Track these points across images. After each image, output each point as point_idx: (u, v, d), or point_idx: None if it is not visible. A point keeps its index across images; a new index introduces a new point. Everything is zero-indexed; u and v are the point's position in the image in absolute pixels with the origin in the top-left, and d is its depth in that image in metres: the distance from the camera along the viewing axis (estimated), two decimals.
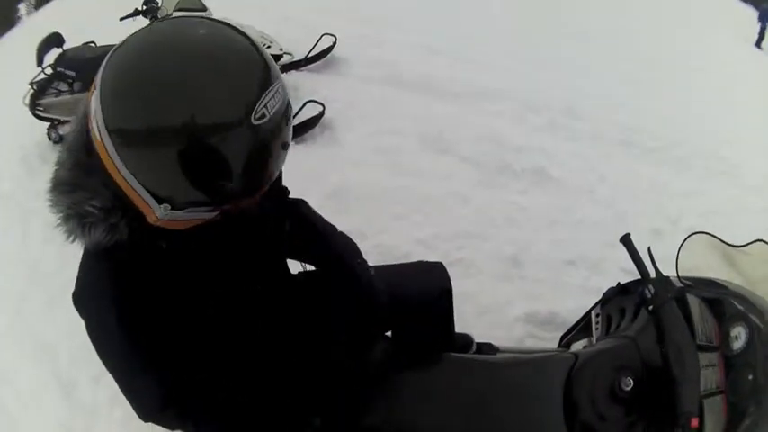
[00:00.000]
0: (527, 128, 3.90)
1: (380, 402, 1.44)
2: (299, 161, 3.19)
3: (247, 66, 0.76)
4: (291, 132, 0.83)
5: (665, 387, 1.32)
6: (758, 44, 15.62)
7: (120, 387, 0.94)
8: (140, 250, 0.87)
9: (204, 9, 3.81)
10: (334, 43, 4.56)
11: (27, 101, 3.71)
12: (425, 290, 1.50)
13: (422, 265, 1.58)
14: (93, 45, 3.89)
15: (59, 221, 0.85)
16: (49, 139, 3.84)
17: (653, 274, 1.50)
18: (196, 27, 0.78)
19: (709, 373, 1.42)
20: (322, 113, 3.62)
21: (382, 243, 2.60)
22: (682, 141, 4.08)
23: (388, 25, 5.27)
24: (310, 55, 4.48)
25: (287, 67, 4.31)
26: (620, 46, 6.25)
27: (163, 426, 1.03)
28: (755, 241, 1.57)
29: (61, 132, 3.82)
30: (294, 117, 3.35)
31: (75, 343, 2.27)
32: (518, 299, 2.44)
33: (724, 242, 1.61)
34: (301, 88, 4.01)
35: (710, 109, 4.93)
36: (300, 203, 1.37)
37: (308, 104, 3.61)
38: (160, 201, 0.78)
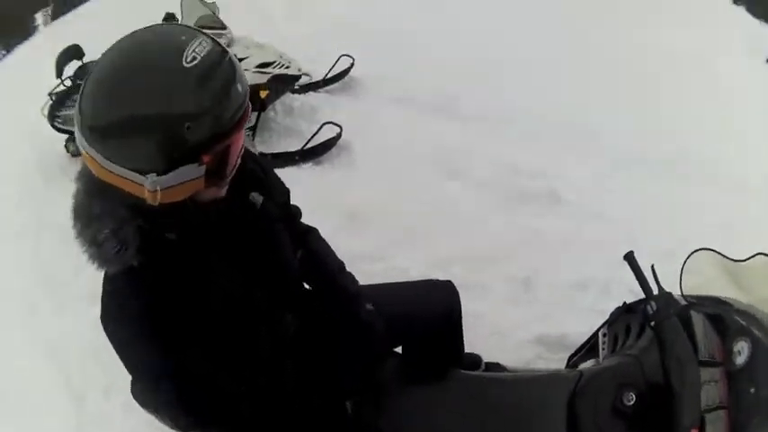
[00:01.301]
0: (540, 150, 3.97)
1: (389, 417, 1.50)
2: (316, 182, 3.44)
3: (177, 34, 0.92)
4: (242, 74, 0.96)
5: (667, 401, 1.36)
6: None
7: (151, 396, 1.05)
8: (154, 253, 0.98)
9: (224, 27, 3.95)
10: (352, 65, 4.69)
11: (46, 112, 3.83)
12: (435, 308, 1.58)
13: (432, 284, 1.66)
14: None
15: (83, 251, 0.99)
16: (67, 151, 3.96)
17: (656, 292, 1.54)
18: (151, 30, 0.97)
19: (712, 389, 1.44)
20: (339, 135, 3.72)
21: (396, 266, 2.69)
22: (692, 158, 4.11)
23: (405, 47, 5.38)
24: (328, 76, 4.62)
25: (305, 88, 4.46)
26: (626, 62, 6.32)
27: None
28: (756, 255, 1.60)
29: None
30: (312, 138, 3.47)
31: (87, 352, 2.36)
32: (529, 321, 2.51)
33: (725, 257, 1.65)
34: (319, 110, 4.14)
35: (721, 125, 4.97)
36: (311, 235, 1.48)
37: (325, 126, 3.72)
38: (146, 174, 0.90)
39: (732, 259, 1.65)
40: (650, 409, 1.39)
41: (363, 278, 1.54)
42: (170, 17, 4.02)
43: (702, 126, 4.63)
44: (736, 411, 1.41)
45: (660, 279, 1.56)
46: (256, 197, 1.16)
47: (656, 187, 3.72)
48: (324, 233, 1.54)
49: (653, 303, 1.49)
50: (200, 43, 0.90)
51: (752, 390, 1.41)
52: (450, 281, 1.65)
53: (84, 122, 0.90)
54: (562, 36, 6.06)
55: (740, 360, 1.47)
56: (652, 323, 1.49)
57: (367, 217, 3.05)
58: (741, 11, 7.78)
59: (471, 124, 4.25)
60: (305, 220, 1.51)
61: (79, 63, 3.93)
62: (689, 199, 3.58)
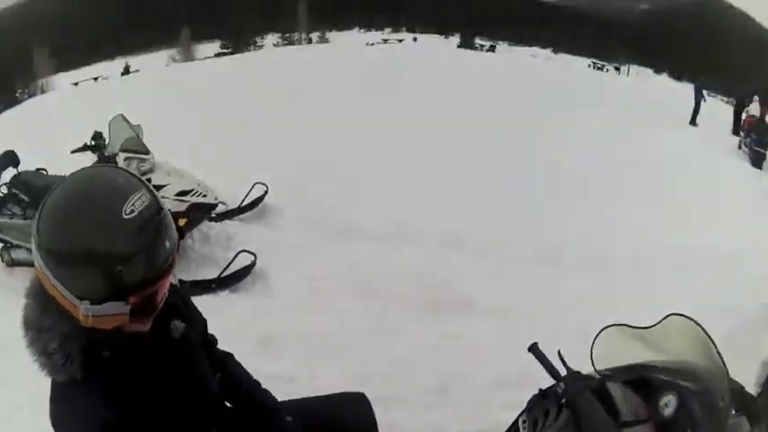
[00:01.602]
0: (457, 260, 4.26)
1: None
2: (231, 310, 3.47)
3: (123, 183, 1.09)
4: (172, 231, 1.13)
5: None
6: (693, 121, 16.79)
7: None
8: (94, 368, 1.12)
9: (147, 152, 4.13)
10: (266, 192, 4.94)
11: None
12: (349, 419, 1.67)
13: (345, 396, 1.76)
14: (44, 172, 4.11)
15: (34, 360, 1.12)
16: (2, 260, 3.92)
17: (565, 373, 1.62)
18: (102, 173, 1.16)
19: None
20: (254, 263, 3.85)
21: (313, 385, 2.75)
22: (604, 250, 4.49)
23: (319, 172, 5.71)
24: (243, 204, 4.83)
25: (221, 216, 4.61)
26: (544, 159, 6.91)
27: None
28: (668, 316, 1.71)
29: (13, 256, 3.91)
30: (228, 267, 3.56)
31: None
32: (447, 424, 2.60)
33: (634, 327, 1.75)
34: (235, 237, 4.29)
35: (638, 209, 5.43)
36: (227, 359, 1.59)
37: (240, 254, 3.84)
38: (81, 300, 1.05)
39: (642, 327, 1.75)
40: None
41: (280, 396, 1.63)
42: (98, 136, 4.22)
43: (619, 216, 5.22)
44: None
45: (571, 362, 1.64)
46: (178, 326, 1.29)
47: (571, 282, 4.02)
48: (240, 358, 1.66)
49: (561, 384, 1.57)
50: (140, 197, 1.06)
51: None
52: (361, 392, 1.76)
53: (41, 243, 1.06)
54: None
55: (668, 411, 1.59)
56: (563, 401, 1.56)
57: (283, 341, 3.13)
58: None
59: (384, 241, 4.50)
60: (222, 346, 1.64)
61: (14, 171, 3.97)
62: (601, 292, 3.86)
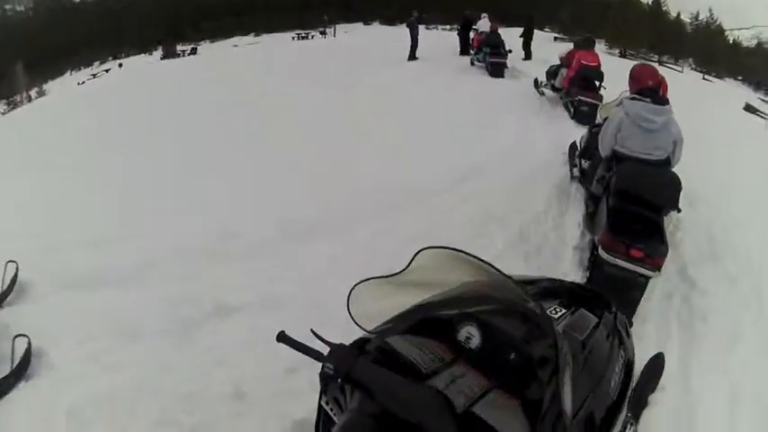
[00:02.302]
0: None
1: None
2: (30, 400, 3.89)
3: None
4: None
5: None
6: (412, 57, 18.77)
7: None
8: None
9: None
10: (17, 268, 5.32)
11: None
12: None
13: None
14: None
15: None
16: None
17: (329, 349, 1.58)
18: None
19: (465, 382, 1.53)
20: (29, 345, 4.27)
21: None
22: None
23: (60, 230, 6.27)
24: (3, 288, 5.16)
25: None
26: None
27: None
28: (417, 254, 1.68)
29: None
30: (12, 359, 4.22)
31: None
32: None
33: (385, 276, 1.72)
34: (10, 325, 4.61)
35: None
36: None
37: (16, 340, 4.24)
38: None
39: (391, 274, 1.71)
40: None
41: None
42: None
43: None
44: (513, 381, 1.54)
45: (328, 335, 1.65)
46: None
47: None
48: None
49: (328, 365, 1.51)
50: None
51: (512, 356, 1.56)
52: None
53: None
54: None
55: (474, 342, 1.60)
56: (339, 381, 1.50)
57: (84, 415, 3.73)
58: None
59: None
60: None
61: None
62: None
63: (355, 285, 1.75)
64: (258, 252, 6.05)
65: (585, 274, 4.99)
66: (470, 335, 1.65)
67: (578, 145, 7.29)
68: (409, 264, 1.72)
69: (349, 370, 1.46)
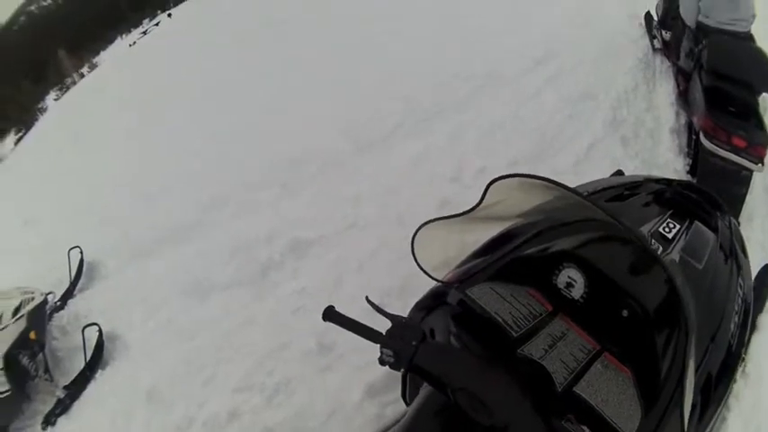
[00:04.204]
0: None
1: None
2: (109, 388, 3.81)
3: None
4: None
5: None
6: None
7: None
8: None
9: None
10: (82, 252, 5.19)
11: None
12: None
13: None
14: None
15: None
16: None
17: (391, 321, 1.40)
18: None
19: (566, 346, 1.33)
20: (100, 332, 4.17)
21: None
22: None
23: (125, 221, 5.90)
24: (72, 277, 5.03)
25: (64, 299, 4.83)
26: None
27: None
28: (490, 185, 1.41)
29: None
30: (86, 349, 4.05)
31: None
32: (346, 380, 3.03)
33: (453, 216, 1.48)
34: (81, 315, 4.54)
35: None
36: None
37: (86, 330, 4.11)
38: None
39: (460, 213, 1.48)
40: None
41: None
42: None
43: None
44: (619, 344, 1.34)
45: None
46: None
47: None
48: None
49: (387, 351, 1.34)
50: None
51: (624, 313, 1.35)
52: None
53: None
54: None
55: (578, 290, 1.37)
56: (401, 371, 1.33)
57: (165, 392, 3.53)
58: None
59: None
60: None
61: None
62: None
63: (419, 228, 1.48)
64: (331, 171, 5.49)
65: (687, 161, 4.75)
66: (572, 280, 1.38)
67: (654, 14, 6.95)
68: (481, 199, 1.42)
69: (412, 357, 1.24)
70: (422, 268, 1.47)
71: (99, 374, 4.05)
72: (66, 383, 3.95)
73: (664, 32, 6.40)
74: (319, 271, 4.09)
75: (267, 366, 3.39)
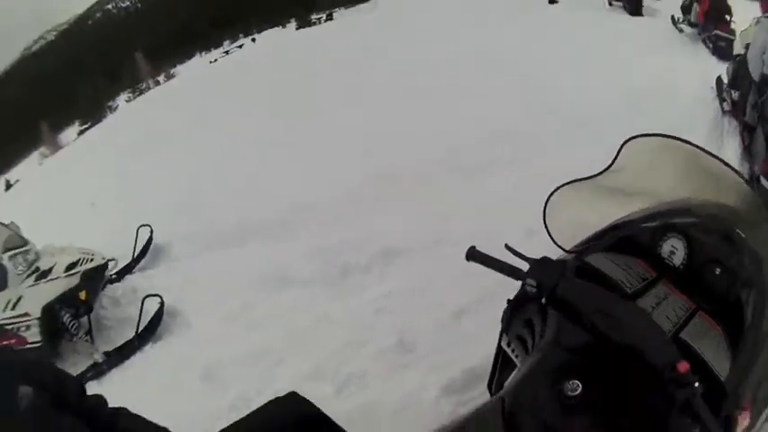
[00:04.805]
0: None
1: None
2: (161, 360, 3.61)
3: None
4: None
5: (621, 364, 1.16)
6: None
7: None
8: None
9: (26, 243, 4.23)
10: (152, 231, 5.07)
11: None
12: (294, 421, 1.60)
13: (277, 402, 1.66)
14: None
15: None
16: None
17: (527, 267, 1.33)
18: None
19: (669, 304, 1.37)
20: (162, 304, 3.98)
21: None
22: None
23: (198, 204, 5.91)
24: (136, 253, 4.93)
25: (122, 274, 4.74)
26: None
27: None
28: (624, 144, 1.48)
29: None
30: (141, 320, 3.86)
31: None
32: (423, 378, 2.79)
33: (585, 178, 1.51)
34: (140, 289, 4.40)
35: None
36: (119, 418, 1.32)
37: (146, 300, 3.93)
38: None
39: (595, 174, 1.50)
40: (602, 384, 1.17)
41: None
42: None
43: None
44: (712, 299, 1.40)
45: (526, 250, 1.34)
46: (26, 393, 1.06)
47: None
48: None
49: (530, 281, 1.27)
50: None
51: (716, 271, 1.41)
52: (293, 392, 1.66)
53: None
54: None
55: (679, 258, 1.45)
56: (543, 301, 1.28)
57: (223, 372, 3.28)
58: None
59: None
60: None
61: None
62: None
63: (553, 192, 1.52)
64: (419, 190, 5.25)
65: None
66: (674, 248, 1.47)
67: (724, 78, 7.03)
68: (615, 158, 1.50)
69: (555, 286, 1.22)
70: (549, 234, 1.52)
71: (149, 347, 3.85)
72: (107, 351, 3.76)
73: (733, 92, 6.46)
74: (406, 278, 3.84)
75: (341, 359, 3.13)
